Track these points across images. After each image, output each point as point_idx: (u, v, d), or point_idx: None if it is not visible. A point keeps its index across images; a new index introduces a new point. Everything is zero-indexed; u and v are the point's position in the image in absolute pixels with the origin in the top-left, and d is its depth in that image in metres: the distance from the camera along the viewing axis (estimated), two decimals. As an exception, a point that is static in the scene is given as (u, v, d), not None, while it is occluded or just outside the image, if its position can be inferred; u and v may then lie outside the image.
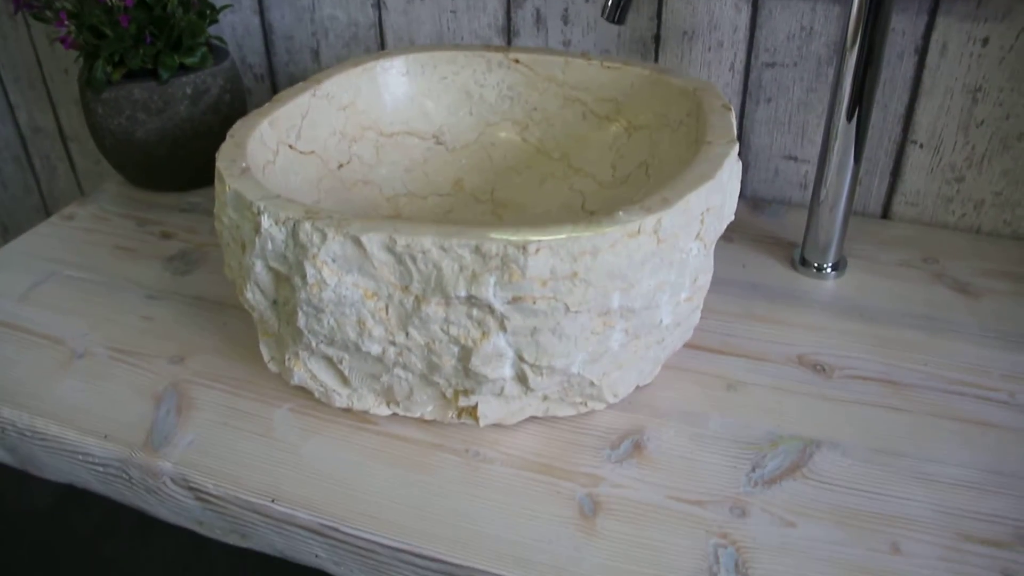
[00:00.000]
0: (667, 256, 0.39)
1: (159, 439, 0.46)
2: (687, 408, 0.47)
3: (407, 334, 0.39)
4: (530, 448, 0.45)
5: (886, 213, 0.65)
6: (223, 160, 0.45)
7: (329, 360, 0.44)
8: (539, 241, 0.36)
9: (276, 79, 0.78)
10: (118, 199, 0.70)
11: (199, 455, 0.45)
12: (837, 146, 0.54)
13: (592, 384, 0.42)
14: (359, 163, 0.57)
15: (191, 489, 0.44)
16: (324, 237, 0.38)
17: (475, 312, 0.38)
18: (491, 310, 0.38)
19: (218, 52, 0.68)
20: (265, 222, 0.40)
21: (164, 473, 0.44)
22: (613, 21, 0.52)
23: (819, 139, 0.65)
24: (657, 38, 0.65)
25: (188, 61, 0.64)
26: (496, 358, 0.39)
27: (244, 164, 0.45)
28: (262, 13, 0.75)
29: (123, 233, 0.65)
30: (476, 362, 0.39)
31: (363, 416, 0.47)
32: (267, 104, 0.52)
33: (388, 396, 0.45)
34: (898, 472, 0.43)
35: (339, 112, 0.56)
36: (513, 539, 0.40)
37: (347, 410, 0.47)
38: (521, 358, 0.39)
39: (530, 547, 0.39)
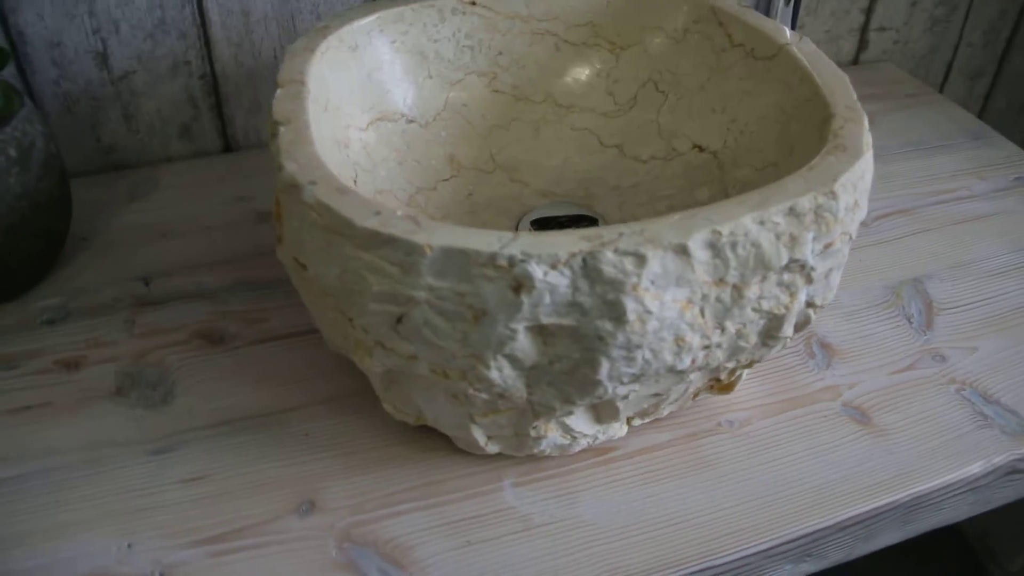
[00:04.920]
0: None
1: (414, 602, 0.34)
2: (815, 296, 0.50)
3: (723, 330, 0.34)
4: (757, 393, 0.43)
5: (750, 74, 0.72)
6: (367, 219, 0.32)
7: (597, 405, 0.36)
8: (839, 181, 0.34)
9: (43, 105, 0.54)
10: (-75, 348, 0.45)
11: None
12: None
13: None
14: (362, 172, 0.45)
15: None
16: (643, 260, 0.31)
17: (786, 276, 0.35)
18: (802, 267, 0.35)
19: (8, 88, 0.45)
20: (537, 271, 0.30)
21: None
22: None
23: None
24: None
25: (-7, 108, 0.42)
26: (796, 315, 0.37)
27: (400, 212, 0.32)
28: (3, 18, 0.50)
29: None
30: (786, 328, 0.36)
31: (600, 449, 0.40)
32: (283, 128, 0.37)
33: (642, 412, 0.39)
34: (979, 277, 0.51)
35: (325, 115, 0.43)
36: (843, 475, 0.39)
37: (581, 451, 0.40)
38: (810, 303, 0.37)
39: (865, 472, 0.39)
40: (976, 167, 0.61)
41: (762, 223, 0.33)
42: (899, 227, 0.55)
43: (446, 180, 0.49)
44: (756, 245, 0.33)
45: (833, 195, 0.34)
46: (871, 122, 0.67)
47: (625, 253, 0.31)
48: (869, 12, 0.72)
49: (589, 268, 0.31)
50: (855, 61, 0.75)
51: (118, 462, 0.40)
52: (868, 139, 0.38)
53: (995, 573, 0.88)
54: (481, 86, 0.52)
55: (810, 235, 0.34)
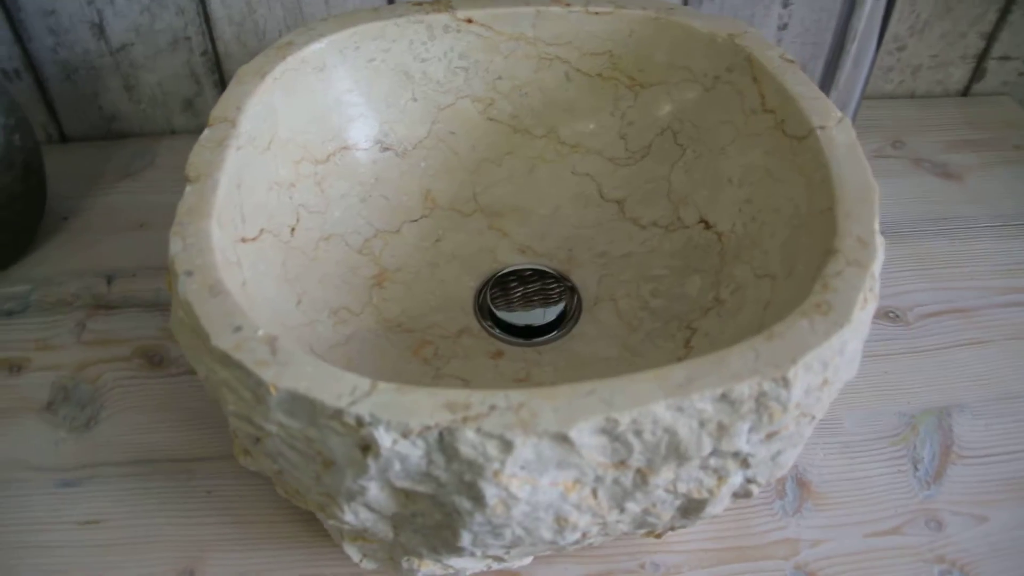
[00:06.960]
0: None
1: None
2: (812, 413, 0.43)
3: (622, 510, 0.29)
4: (699, 533, 0.38)
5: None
6: (222, 337, 0.28)
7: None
8: (798, 363, 0.28)
9: (41, 72, 0.53)
10: None
11: None
12: (861, 30, 0.48)
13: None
14: (308, 215, 0.41)
15: None
16: (510, 446, 0.26)
17: (712, 461, 0.29)
18: (735, 455, 0.29)
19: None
20: (385, 439, 0.26)
21: None
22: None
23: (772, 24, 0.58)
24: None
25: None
26: (727, 495, 0.31)
27: (261, 331, 0.29)
28: (-7, -20, 0.49)
29: (-63, 388, 0.43)
30: (712, 507, 0.31)
31: (500, 573, 0.37)
32: (190, 187, 0.34)
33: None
34: (1026, 417, 0.43)
35: (264, 156, 0.39)
36: (769, 668, 0.34)
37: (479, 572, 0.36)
38: (751, 481, 0.31)
39: (791, 669, 0.34)
40: (1075, 260, 0.51)
41: (680, 410, 0.27)
42: (947, 333, 0.47)
43: (415, 221, 0.45)
44: (670, 432, 0.27)
45: (784, 382, 0.28)
46: (961, 179, 0.56)
47: (488, 435, 0.26)
48: (991, 38, 0.59)
49: (445, 444, 0.26)
50: (966, 92, 0.63)
51: (26, 489, 0.39)
52: (870, 290, 0.31)
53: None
54: (474, 113, 0.46)
55: (745, 426, 0.28)
